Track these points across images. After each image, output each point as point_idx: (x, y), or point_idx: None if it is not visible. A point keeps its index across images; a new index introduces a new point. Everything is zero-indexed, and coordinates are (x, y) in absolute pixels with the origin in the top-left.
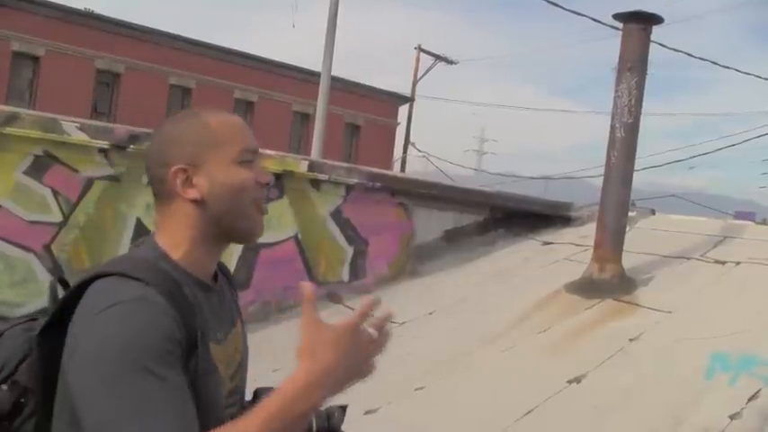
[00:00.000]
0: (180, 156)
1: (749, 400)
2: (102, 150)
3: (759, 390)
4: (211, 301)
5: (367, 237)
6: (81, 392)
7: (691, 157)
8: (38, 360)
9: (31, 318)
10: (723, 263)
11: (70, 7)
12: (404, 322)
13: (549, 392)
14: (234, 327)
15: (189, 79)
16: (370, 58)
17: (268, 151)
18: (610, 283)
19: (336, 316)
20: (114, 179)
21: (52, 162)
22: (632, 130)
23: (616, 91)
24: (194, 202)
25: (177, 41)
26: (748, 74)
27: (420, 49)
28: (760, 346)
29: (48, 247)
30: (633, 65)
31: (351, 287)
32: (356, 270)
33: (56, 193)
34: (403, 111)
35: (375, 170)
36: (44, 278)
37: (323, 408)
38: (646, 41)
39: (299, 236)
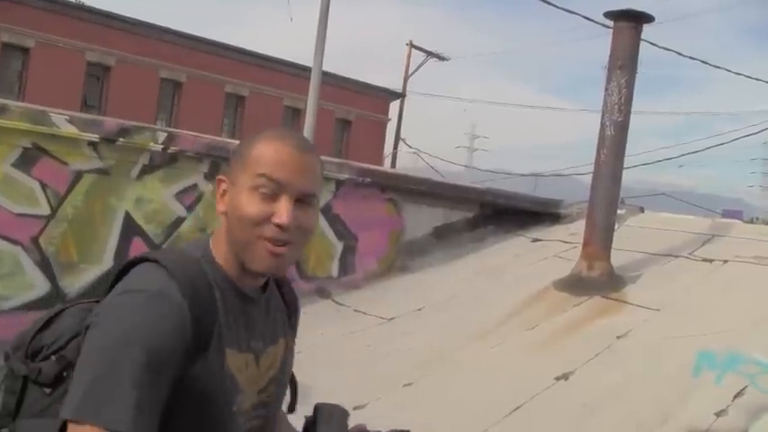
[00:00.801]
0: (230, 168)
1: (735, 397)
2: (91, 143)
3: (745, 387)
4: (250, 311)
5: (357, 232)
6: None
7: (680, 156)
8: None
9: (96, 300)
10: (711, 261)
11: None
12: (393, 318)
13: (537, 389)
14: (275, 344)
15: (180, 73)
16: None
17: None
18: (598, 280)
19: (326, 311)
20: (103, 172)
21: (41, 154)
22: (622, 127)
23: (606, 89)
24: (224, 215)
25: (169, 35)
26: (738, 73)
27: (412, 46)
28: (746, 345)
29: (35, 240)
30: (623, 63)
31: (340, 282)
32: (345, 265)
33: (44, 186)
34: (394, 107)
35: (365, 166)
36: (31, 271)
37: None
38: (636, 40)
39: None
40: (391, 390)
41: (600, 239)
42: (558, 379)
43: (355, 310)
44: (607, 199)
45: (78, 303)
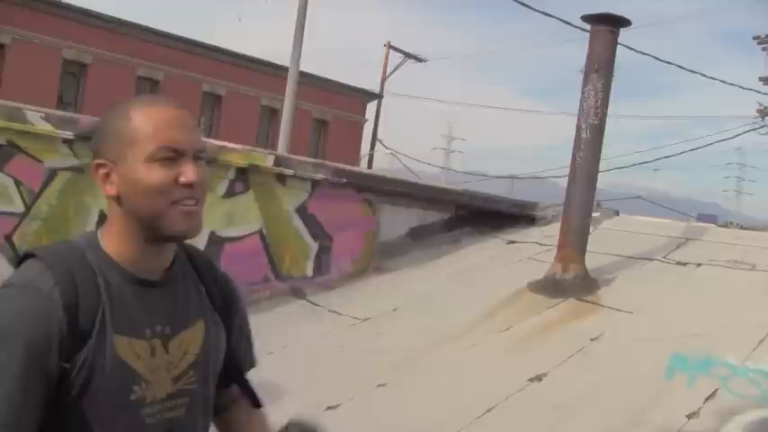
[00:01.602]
0: (103, 151)
1: (706, 399)
2: (66, 141)
3: (716, 390)
4: (149, 296)
5: (332, 232)
6: None
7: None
8: None
9: None
10: (685, 264)
11: None
12: (367, 318)
13: (511, 390)
14: (189, 327)
15: (157, 71)
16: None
17: (234, 145)
18: (573, 282)
19: (300, 311)
20: (78, 170)
21: (15, 151)
22: (598, 131)
23: (582, 92)
24: (114, 199)
25: (146, 33)
26: (713, 78)
27: (390, 47)
28: (718, 348)
29: (9, 238)
30: (600, 67)
31: (315, 282)
32: (321, 265)
33: (18, 183)
34: (371, 108)
35: (341, 166)
36: (4, 269)
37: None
38: (613, 44)
39: (264, 230)
40: (365, 390)
41: (575, 242)
42: (531, 380)
43: (330, 311)
44: (582, 202)
45: None
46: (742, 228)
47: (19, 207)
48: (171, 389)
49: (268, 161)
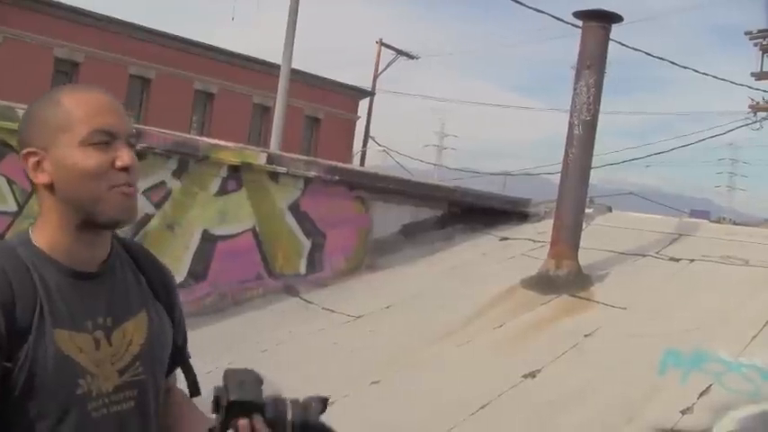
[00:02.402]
0: (32, 139)
1: (700, 395)
2: None
3: (710, 385)
4: (87, 289)
5: (325, 230)
6: None
7: (647, 156)
8: None
9: None
10: (677, 260)
11: None
12: (360, 316)
13: (504, 387)
14: (131, 318)
15: (149, 69)
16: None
17: (226, 143)
18: (566, 279)
19: (293, 308)
20: None
21: (7, 151)
22: (590, 127)
23: (575, 89)
24: (47, 187)
25: (138, 31)
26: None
27: (381, 44)
28: (712, 343)
29: (2, 238)
30: (592, 63)
31: (308, 280)
32: (313, 263)
33: (11, 183)
34: (363, 105)
35: (334, 163)
36: None
37: (299, 399)
38: (605, 39)
39: (257, 228)
40: (358, 387)
41: (568, 238)
42: (525, 377)
43: (323, 308)
44: (575, 198)
45: None
46: (735, 223)
47: (12, 206)
48: (117, 381)
49: (260, 159)
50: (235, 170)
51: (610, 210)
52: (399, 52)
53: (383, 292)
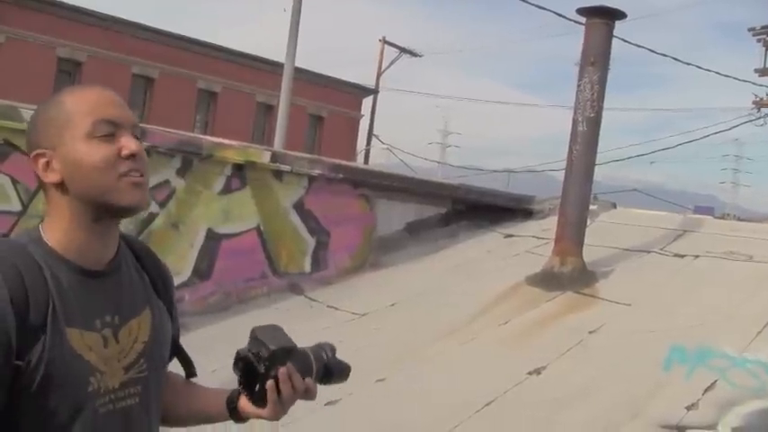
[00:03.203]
0: (39, 140)
1: (705, 391)
2: None
3: (715, 381)
4: (96, 287)
5: (329, 228)
6: None
7: (652, 152)
8: None
9: None
10: (682, 256)
11: None
12: (365, 314)
13: (510, 384)
14: (137, 316)
15: (152, 69)
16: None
17: (230, 141)
18: (570, 275)
19: (298, 307)
20: None
21: (11, 150)
22: (594, 124)
23: (578, 85)
24: (58, 186)
25: (141, 30)
26: (709, 70)
27: (385, 42)
28: (717, 339)
29: (6, 237)
30: (595, 59)
31: (312, 278)
32: (318, 261)
33: (15, 182)
34: (367, 103)
35: (338, 162)
36: None
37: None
38: (608, 36)
39: (262, 227)
40: (364, 385)
41: (572, 235)
42: (530, 374)
43: (328, 306)
44: (579, 195)
45: None
46: (739, 219)
47: (16, 206)
48: (122, 378)
49: (264, 157)
50: (239, 169)
51: (614, 206)
52: (402, 50)
53: (388, 290)
